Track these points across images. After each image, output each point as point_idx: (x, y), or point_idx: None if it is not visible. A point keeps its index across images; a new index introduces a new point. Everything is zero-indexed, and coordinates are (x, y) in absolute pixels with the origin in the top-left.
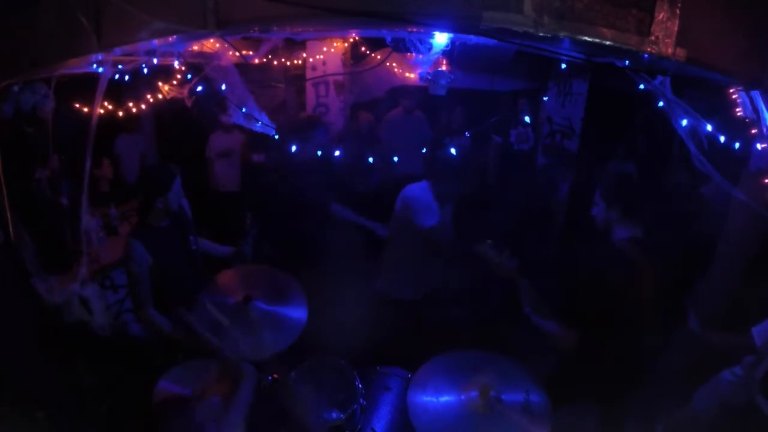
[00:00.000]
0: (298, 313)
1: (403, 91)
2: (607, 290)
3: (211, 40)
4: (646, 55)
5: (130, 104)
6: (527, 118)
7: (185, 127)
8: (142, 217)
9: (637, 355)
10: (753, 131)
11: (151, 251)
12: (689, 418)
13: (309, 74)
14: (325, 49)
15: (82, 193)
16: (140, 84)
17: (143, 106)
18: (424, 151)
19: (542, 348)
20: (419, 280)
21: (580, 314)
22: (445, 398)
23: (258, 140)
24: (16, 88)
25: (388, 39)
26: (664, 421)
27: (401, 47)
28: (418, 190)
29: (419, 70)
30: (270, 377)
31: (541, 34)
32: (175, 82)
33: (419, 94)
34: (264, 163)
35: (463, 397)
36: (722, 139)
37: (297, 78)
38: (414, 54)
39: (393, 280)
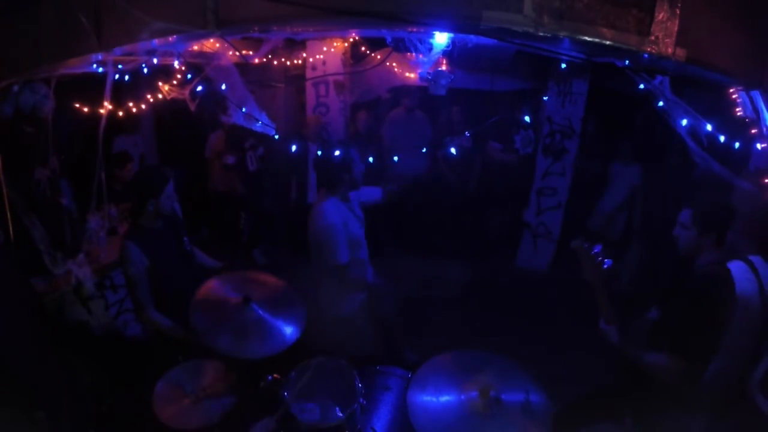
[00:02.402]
0: (291, 327)
1: (403, 90)
2: (710, 316)
3: (211, 40)
4: (646, 55)
5: (130, 104)
6: (527, 119)
7: (185, 127)
8: (135, 219)
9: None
10: (753, 131)
11: (146, 252)
12: (655, 394)
13: (309, 74)
14: (325, 49)
15: (94, 191)
16: (140, 84)
17: (143, 106)
18: (424, 150)
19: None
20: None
21: (682, 343)
22: (445, 398)
23: (231, 143)
24: (16, 88)
25: (389, 39)
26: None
27: (401, 47)
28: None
29: (419, 70)
30: (270, 377)
31: (541, 34)
32: (175, 82)
33: (420, 94)
34: (234, 166)
35: (463, 397)
36: (722, 139)
37: (297, 78)
38: (414, 54)
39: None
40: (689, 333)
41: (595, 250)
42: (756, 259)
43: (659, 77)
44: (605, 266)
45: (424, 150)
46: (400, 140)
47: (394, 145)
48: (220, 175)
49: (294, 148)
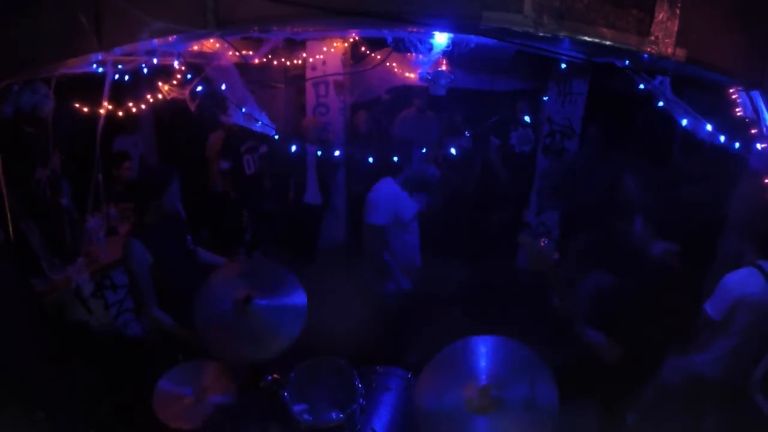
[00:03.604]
0: (297, 300)
1: (414, 90)
2: (654, 302)
3: (211, 40)
4: (646, 55)
5: (130, 104)
6: (527, 119)
7: (185, 127)
8: (139, 217)
9: (652, 357)
10: (753, 131)
11: (150, 250)
12: (658, 393)
13: (309, 74)
14: (325, 49)
15: (91, 191)
16: (140, 84)
17: (143, 106)
18: (424, 150)
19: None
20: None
21: (626, 327)
22: (447, 398)
23: (228, 147)
24: (16, 88)
25: (389, 39)
26: (635, 405)
27: (401, 47)
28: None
29: (419, 70)
30: (270, 377)
31: (541, 34)
32: (175, 82)
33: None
34: (229, 171)
35: (464, 397)
36: (722, 139)
37: (297, 78)
38: (414, 54)
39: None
40: (628, 318)
41: (543, 244)
42: (765, 264)
43: (659, 77)
44: (553, 258)
45: (425, 150)
46: (411, 139)
47: (406, 144)
48: (219, 175)
49: (294, 148)
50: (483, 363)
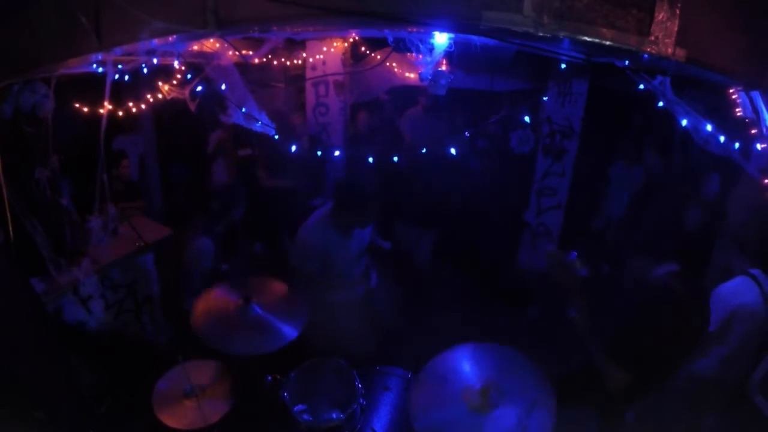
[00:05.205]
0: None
1: (417, 90)
2: (659, 327)
3: (211, 40)
4: (646, 55)
5: (130, 104)
6: (527, 119)
7: (185, 127)
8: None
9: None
10: (753, 131)
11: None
12: (657, 394)
13: (309, 74)
14: (325, 49)
15: (97, 191)
16: (140, 84)
17: (143, 106)
18: (424, 150)
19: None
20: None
21: (631, 354)
22: (445, 396)
23: (243, 136)
24: (16, 88)
25: (389, 39)
26: (634, 405)
27: (401, 47)
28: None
29: (419, 70)
30: (270, 377)
31: (541, 34)
32: (175, 82)
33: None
34: (250, 156)
35: (462, 395)
36: (722, 139)
37: (297, 78)
38: (414, 54)
39: None
40: (633, 346)
41: (571, 258)
42: (756, 272)
43: (659, 77)
44: (581, 274)
45: (424, 150)
46: (418, 136)
47: (413, 141)
48: (222, 171)
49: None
50: (489, 369)
